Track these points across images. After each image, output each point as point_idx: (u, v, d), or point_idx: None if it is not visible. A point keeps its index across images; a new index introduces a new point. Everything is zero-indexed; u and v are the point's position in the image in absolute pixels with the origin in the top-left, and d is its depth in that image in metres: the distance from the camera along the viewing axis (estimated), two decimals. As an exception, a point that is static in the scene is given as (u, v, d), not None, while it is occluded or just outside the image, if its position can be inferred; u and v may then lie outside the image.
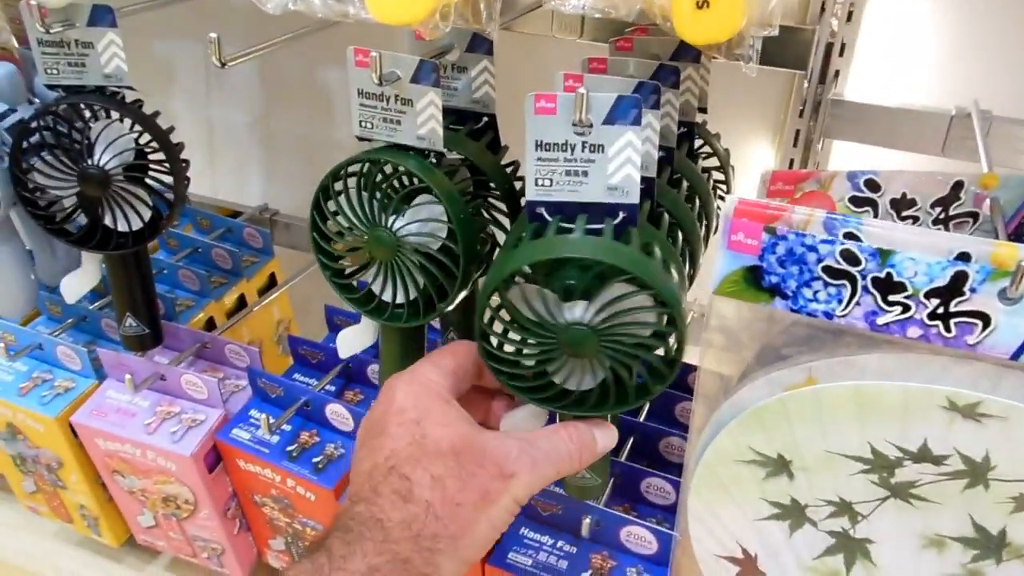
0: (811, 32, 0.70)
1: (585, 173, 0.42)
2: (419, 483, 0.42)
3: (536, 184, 0.42)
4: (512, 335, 0.46)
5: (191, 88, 1.15)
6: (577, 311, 0.44)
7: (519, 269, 0.43)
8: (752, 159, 0.88)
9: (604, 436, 0.48)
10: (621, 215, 0.43)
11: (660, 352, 0.45)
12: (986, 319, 0.37)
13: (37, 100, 0.66)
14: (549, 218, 0.44)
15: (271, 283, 0.96)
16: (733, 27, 0.39)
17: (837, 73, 0.74)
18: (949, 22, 0.74)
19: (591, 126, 0.40)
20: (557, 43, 0.80)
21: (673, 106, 0.50)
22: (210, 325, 0.87)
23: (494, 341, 0.46)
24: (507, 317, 0.45)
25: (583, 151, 0.41)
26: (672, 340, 0.44)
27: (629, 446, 0.64)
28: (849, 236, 0.39)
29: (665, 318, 0.44)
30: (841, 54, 0.73)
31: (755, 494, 0.47)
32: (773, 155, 0.88)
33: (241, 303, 0.92)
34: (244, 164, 1.18)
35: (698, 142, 0.62)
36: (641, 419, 0.67)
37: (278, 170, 1.17)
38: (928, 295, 0.38)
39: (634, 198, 0.42)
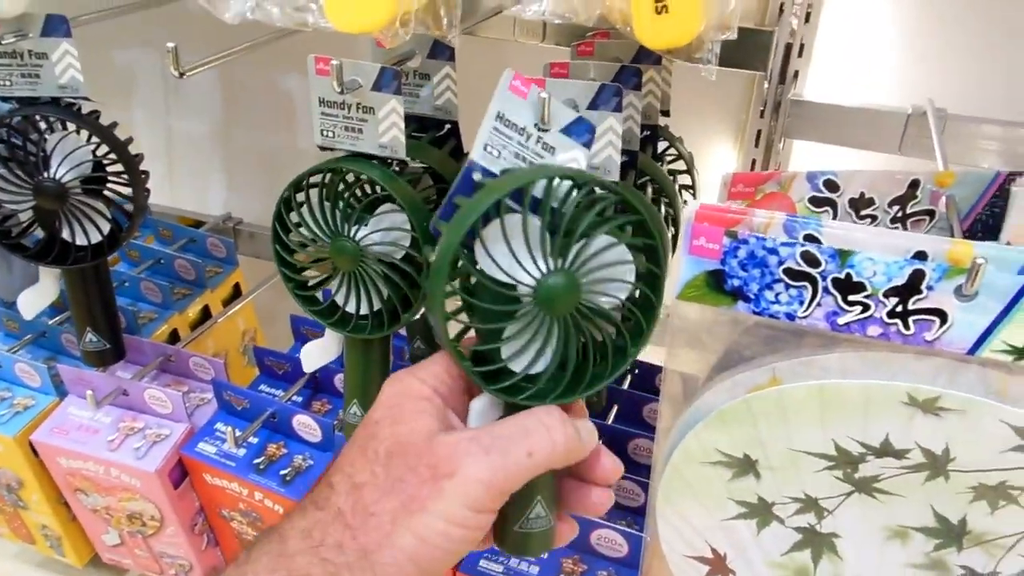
0: (770, 33, 0.71)
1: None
2: (338, 490, 0.38)
3: (485, 149, 0.40)
4: (474, 302, 0.40)
5: (151, 98, 1.14)
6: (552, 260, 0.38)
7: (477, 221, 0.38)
8: (715, 160, 0.89)
9: (586, 429, 0.41)
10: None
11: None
12: (943, 316, 0.38)
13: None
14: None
15: (236, 293, 0.95)
16: (691, 31, 0.39)
17: (796, 74, 0.75)
18: (905, 21, 0.75)
19: (548, 131, 0.40)
20: (520, 47, 0.80)
21: (636, 108, 0.50)
22: (174, 338, 0.86)
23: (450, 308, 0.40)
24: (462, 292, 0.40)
25: (536, 144, 0.40)
26: (652, 293, 0.40)
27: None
28: (809, 238, 0.40)
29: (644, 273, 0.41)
30: (800, 55, 0.74)
31: (722, 494, 0.47)
32: (736, 156, 0.89)
33: (205, 314, 0.91)
34: (206, 173, 1.17)
35: (663, 144, 0.62)
36: (609, 421, 0.67)
37: (241, 179, 1.16)
38: (887, 294, 0.38)
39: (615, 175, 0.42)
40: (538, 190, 0.37)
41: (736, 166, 0.89)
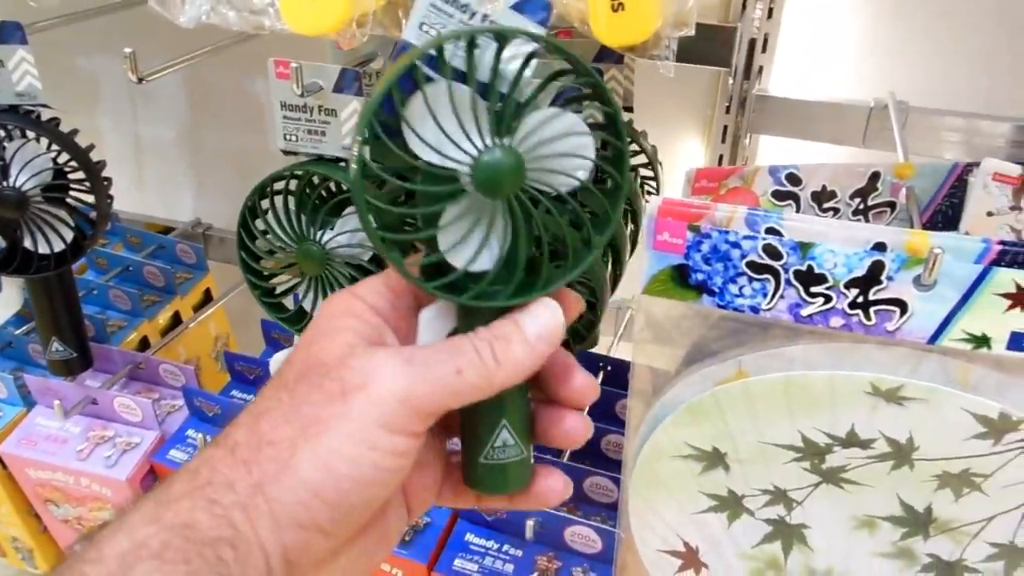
0: (734, 29, 0.71)
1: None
2: (239, 423, 0.32)
3: (420, 28, 0.34)
4: (403, 184, 0.33)
5: (116, 104, 1.12)
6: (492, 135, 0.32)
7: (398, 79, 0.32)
8: (682, 155, 0.89)
9: (536, 318, 0.33)
10: None
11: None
12: (903, 306, 0.38)
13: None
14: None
15: (207, 299, 0.95)
16: (648, 29, 0.39)
17: (761, 69, 0.76)
18: (867, 16, 0.76)
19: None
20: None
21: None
22: (144, 345, 0.86)
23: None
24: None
25: (483, 22, 0.34)
26: (611, 181, 0.34)
27: (571, 446, 0.65)
28: (771, 231, 0.40)
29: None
30: (764, 50, 0.75)
31: (693, 488, 0.47)
32: (703, 151, 0.90)
33: (176, 321, 0.90)
34: (174, 179, 1.16)
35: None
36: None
37: (209, 184, 1.15)
38: (848, 285, 0.39)
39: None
40: (456, 55, 0.32)
41: (704, 161, 0.90)
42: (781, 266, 0.40)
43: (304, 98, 0.46)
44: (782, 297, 0.40)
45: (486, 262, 0.33)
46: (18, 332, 0.81)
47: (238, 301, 0.94)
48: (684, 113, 0.89)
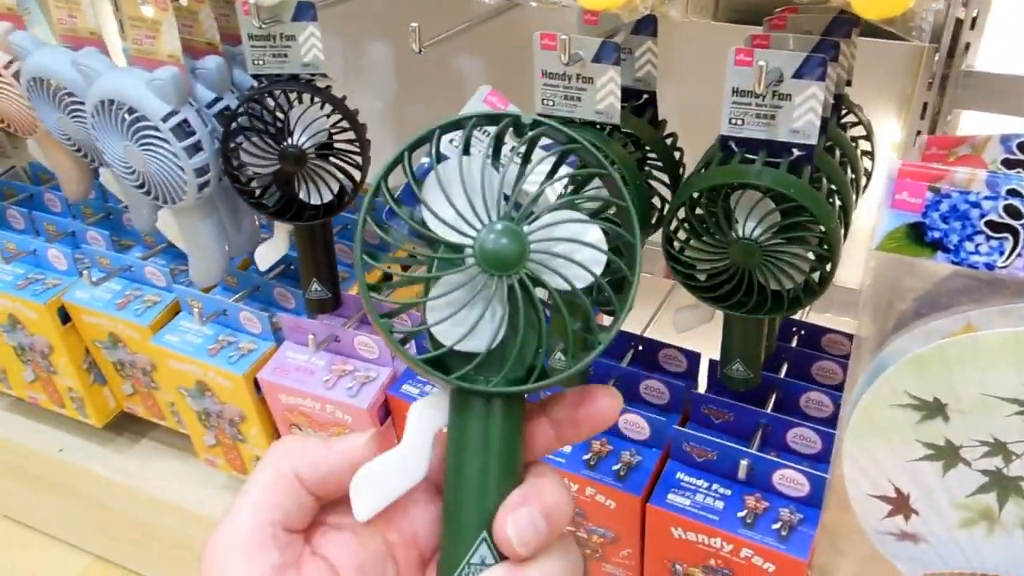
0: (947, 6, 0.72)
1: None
2: None
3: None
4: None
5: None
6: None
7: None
8: (878, 132, 0.90)
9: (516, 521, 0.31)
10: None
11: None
12: None
13: (235, 89, 0.74)
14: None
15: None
16: (907, 1, 0.42)
17: (968, 46, 0.76)
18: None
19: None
20: (692, 26, 0.84)
21: (831, 79, 0.54)
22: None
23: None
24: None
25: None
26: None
27: (773, 400, 0.69)
28: (1012, 192, 0.43)
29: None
30: (972, 27, 0.75)
31: (910, 436, 0.50)
32: (899, 127, 0.91)
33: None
34: (384, 149, 1.25)
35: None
36: (782, 375, 0.71)
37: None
38: (1089, 244, 0.41)
39: (813, 140, 0.48)
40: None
41: (900, 137, 0.90)
42: (1021, 225, 0.42)
43: (567, 67, 0.52)
44: (1020, 255, 0.43)
45: (478, 343, 0.31)
46: (264, 278, 0.91)
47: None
48: (881, 90, 0.90)
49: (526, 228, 0.30)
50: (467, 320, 0.31)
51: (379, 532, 0.33)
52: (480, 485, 0.31)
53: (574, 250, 0.31)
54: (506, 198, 0.30)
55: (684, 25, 0.84)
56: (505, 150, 0.32)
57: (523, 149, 0.31)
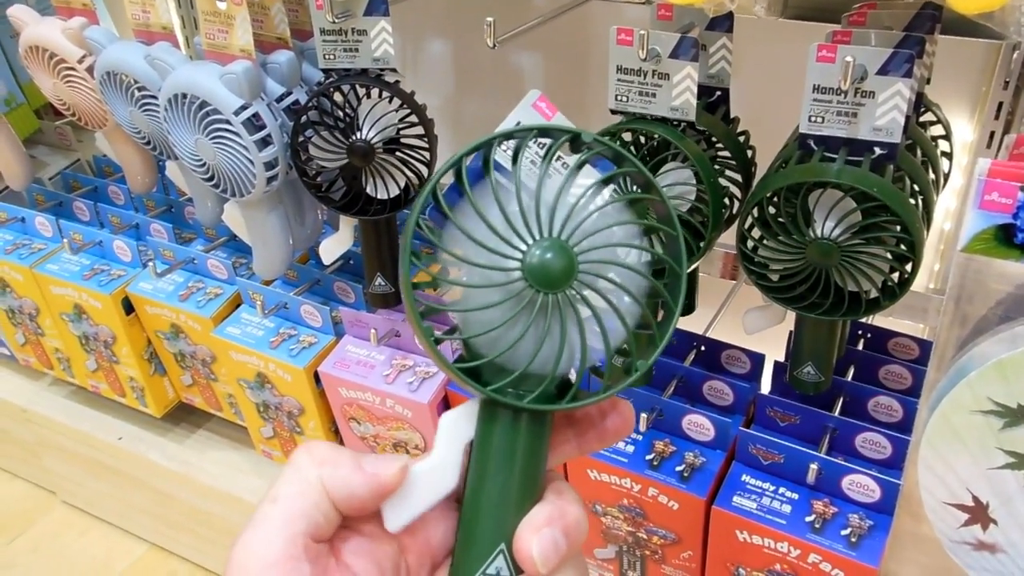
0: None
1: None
2: None
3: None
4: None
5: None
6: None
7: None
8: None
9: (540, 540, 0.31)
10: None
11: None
12: None
13: (304, 84, 0.74)
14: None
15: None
16: (1004, -3, 0.41)
17: (1048, 45, 0.74)
18: None
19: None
20: (757, 22, 0.83)
21: (916, 76, 0.52)
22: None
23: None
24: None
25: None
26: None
27: (840, 403, 0.68)
28: (1109, 193, 0.41)
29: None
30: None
31: (991, 443, 0.49)
32: (971, 128, 0.88)
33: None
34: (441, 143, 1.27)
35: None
36: (848, 378, 0.70)
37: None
38: None
39: (896, 138, 0.47)
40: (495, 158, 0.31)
41: (973, 137, 0.88)
42: (1120, 227, 0.41)
43: (644, 63, 0.52)
44: (1116, 258, 0.42)
45: (517, 358, 0.31)
46: (324, 273, 0.92)
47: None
48: (955, 89, 0.88)
49: (576, 248, 0.30)
50: (508, 334, 0.31)
51: (395, 538, 0.34)
52: (503, 498, 0.32)
53: (623, 275, 0.31)
54: (557, 214, 0.30)
55: (751, 21, 0.83)
56: (558, 165, 0.32)
57: (578, 166, 0.31)
